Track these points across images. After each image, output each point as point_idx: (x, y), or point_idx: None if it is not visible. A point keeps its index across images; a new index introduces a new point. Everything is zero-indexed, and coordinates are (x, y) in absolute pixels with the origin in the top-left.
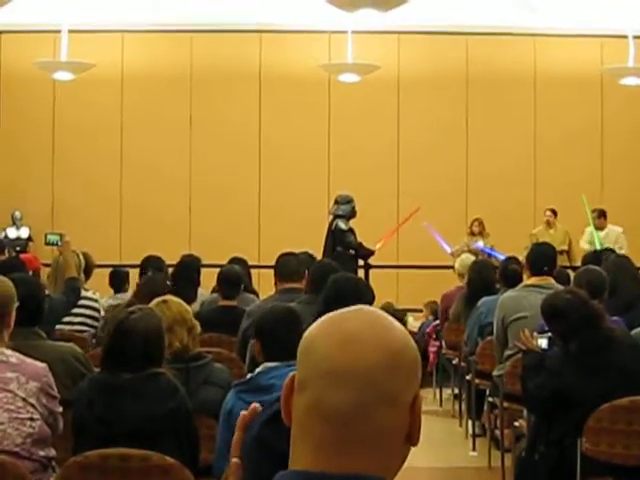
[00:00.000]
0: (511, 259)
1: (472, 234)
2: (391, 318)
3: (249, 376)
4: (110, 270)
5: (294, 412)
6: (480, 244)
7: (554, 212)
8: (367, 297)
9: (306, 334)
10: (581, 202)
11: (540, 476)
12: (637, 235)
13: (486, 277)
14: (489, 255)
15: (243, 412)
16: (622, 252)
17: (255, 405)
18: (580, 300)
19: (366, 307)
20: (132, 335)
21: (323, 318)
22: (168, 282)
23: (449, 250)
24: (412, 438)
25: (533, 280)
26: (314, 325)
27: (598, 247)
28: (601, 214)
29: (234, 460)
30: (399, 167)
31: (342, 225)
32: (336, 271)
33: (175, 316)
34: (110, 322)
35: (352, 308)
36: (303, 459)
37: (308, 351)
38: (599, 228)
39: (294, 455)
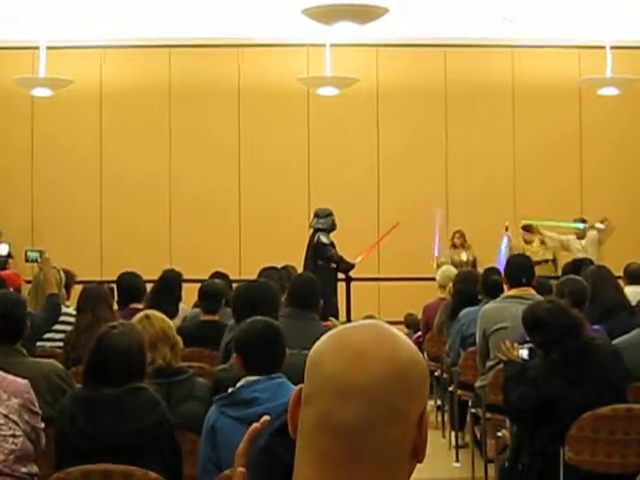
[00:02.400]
0: (491, 270)
1: (454, 246)
2: (398, 332)
3: (230, 390)
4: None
5: (300, 425)
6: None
7: (526, 229)
8: (275, 303)
9: (313, 349)
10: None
11: None
12: (615, 245)
13: (472, 288)
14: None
15: (255, 424)
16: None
17: (266, 417)
18: (560, 309)
19: (373, 321)
20: (114, 350)
21: (330, 333)
22: (107, 288)
23: (436, 253)
24: (418, 454)
25: (513, 291)
26: (321, 340)
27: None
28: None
29: (240, 469)
30: (379, 179)
31: (324, 239)
32: (315, 284)
33: (158, 333)
34: (69, 343)
35: (359, 322)
36: (308, 472)
37: (315, 366)
38: (580, 238)
39: (299, 468)
